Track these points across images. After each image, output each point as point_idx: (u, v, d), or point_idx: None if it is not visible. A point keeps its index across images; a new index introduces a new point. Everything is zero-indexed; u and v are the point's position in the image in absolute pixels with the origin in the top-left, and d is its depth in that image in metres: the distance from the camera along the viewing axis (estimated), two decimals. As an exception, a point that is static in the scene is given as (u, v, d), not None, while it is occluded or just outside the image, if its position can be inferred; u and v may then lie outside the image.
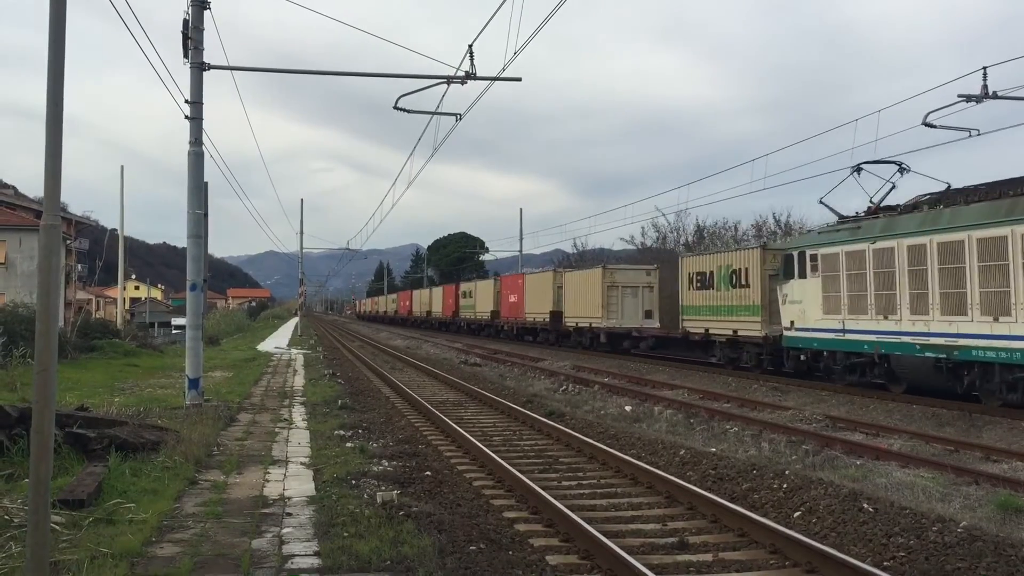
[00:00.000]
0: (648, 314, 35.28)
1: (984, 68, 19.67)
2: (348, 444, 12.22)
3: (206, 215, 16.51)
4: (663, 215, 56.76)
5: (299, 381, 23.25)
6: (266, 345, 45.98)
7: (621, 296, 35.35)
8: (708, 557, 7.31)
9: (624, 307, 35.26)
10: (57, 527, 6.81)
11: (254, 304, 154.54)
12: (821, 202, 23.03)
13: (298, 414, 15.79)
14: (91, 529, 7.05)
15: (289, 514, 7.96)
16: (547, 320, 41.83)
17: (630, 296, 35.49)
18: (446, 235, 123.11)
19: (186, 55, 15.97)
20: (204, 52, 16.11)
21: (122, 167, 44.30)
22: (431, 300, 74.75)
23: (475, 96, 17.21)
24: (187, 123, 16.22)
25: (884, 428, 14.50)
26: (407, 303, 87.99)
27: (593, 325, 36.22)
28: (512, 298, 48.07)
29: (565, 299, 39.88)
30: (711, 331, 27.43)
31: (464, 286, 62.43)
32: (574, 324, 38.47)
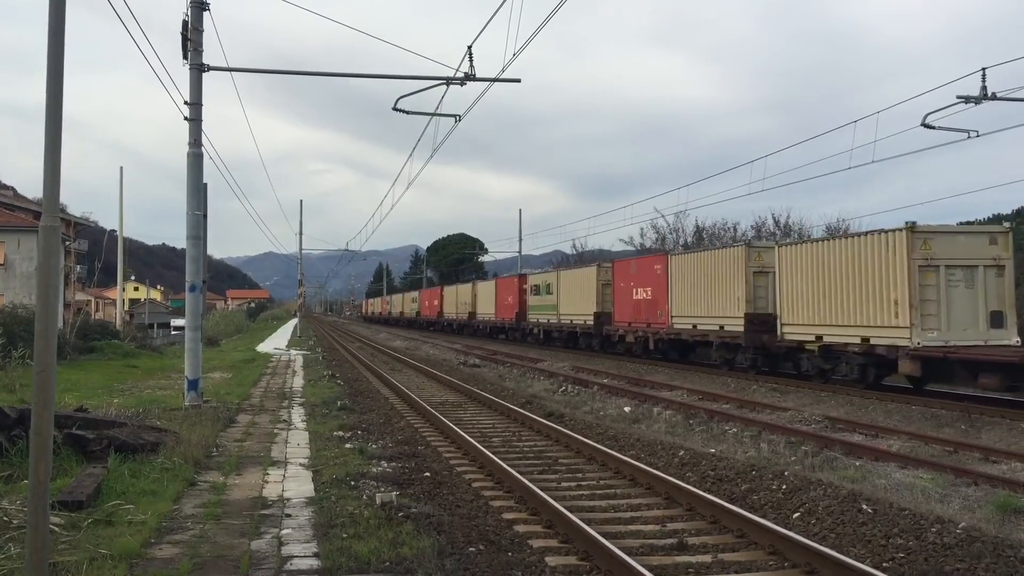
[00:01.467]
0: (997, 318, 18.75)
1: (983, 69, 19.74)
2: (347, 445, 12.22)
3: (205, 216, 16.51)
4: (662, 216, 56.71)
5: (298, 382, 23.25)
6: (265, 346, 46.00)
7: (944, 284, 18.63)
8: (707, 558, 7.31)
9: (952, 305, 18.61)
10: (56, 528, 6.81)
11: (253, 305, 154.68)
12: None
13: (297, 415, 15.79)
14: (90, 530, 7.05)
15: (288, 515, 7.96)
16: (732, 330, 24.53)
17: (962, 284, 18.78)
18: (445, 236, 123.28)
19: (185, 56, 15.99)
20: (203, 53, 16.13)
21: (121, 168, 44.30)
22: (475, 298, 56.73)
23: (474, 97, 17.21)
24: (186, 124, 16.24)
25: (883, 429, 14.50)
26: (435, 302, 70.63)
27: (876, 342, 19.28)
28: (641, 293, 30.88)
29: (781, 292, 22.68)
30: None
31: (535, 278, 45.18)
32: (809, 338, 21.49)
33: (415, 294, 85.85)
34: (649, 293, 30.46)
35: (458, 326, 61.67)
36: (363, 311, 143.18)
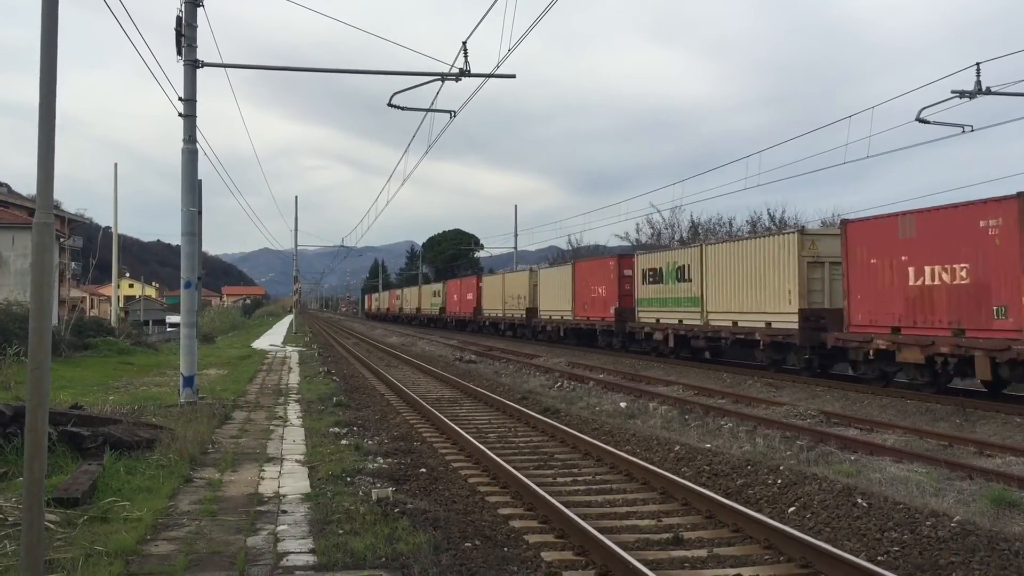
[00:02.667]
0: None
1: (977, 64, 19.76)
2: (343, 441, 12.22)
3: (200, 213, 16.48)
4: (658, 211, 56.66)
5: (294, 378, 23.23)
6: (261, 343, 45.94)
7: None
8: (703, 553, 7.32)
9: None
10: (52, 526, 6.80)
11: (249, 302, 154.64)
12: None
13: (293, 411, 15.78)
14: (86, 527, 7.04)
15: (284, 512, 7.96)
16: None
17: None
18: (441, 232, 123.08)
19: (179, 52, 15.96)
20: (198, 49, 16.10)
21: (115, 164, 44.17)
22: (535, 290, 43.47)
23: (469, 93, 17.23)
24: (181, 120, 16.21)
25: (878, 423, 14.55)
26: (470, 296, 56.32)
27: None
28: (931, 275, 17.99)
29: None
30: None
31: (651, 259, 30.83)
32: None
33: (438, 286, 70.12)
34: (964, 274, 17.10)
35: (508, 327, 48.10)
36: (367, 307, 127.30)
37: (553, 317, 40.33)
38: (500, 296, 49.57)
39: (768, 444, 12.32)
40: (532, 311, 43.57)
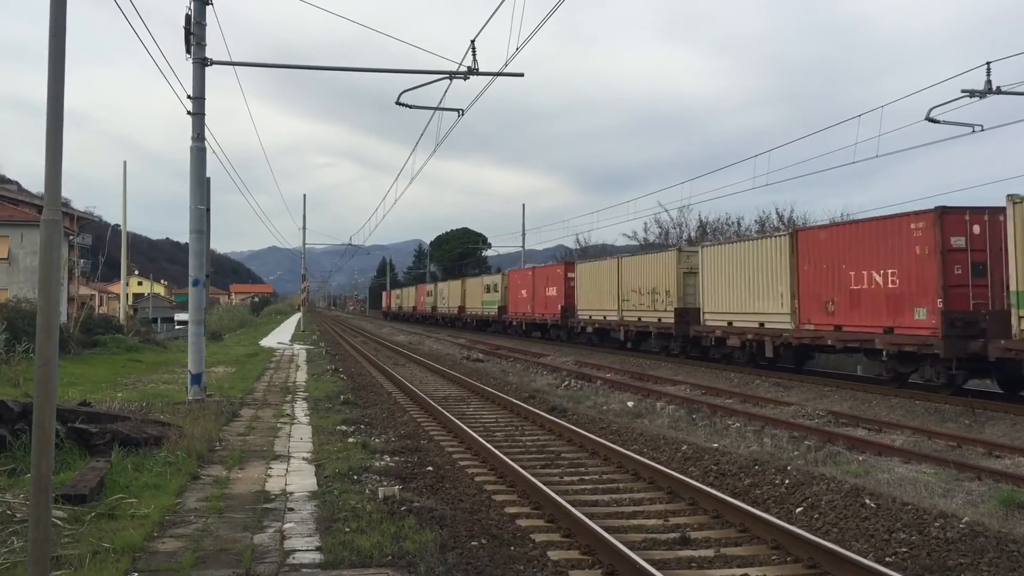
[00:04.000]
0: None
1: (988, 63, 19.62)
2: (350, 439, 12.23)
3: (208, 210, 16.52)
4: (666, 211, 56.36)
5: (302, 376, 23.27)
6: (269, 340, 46.05)
7: None
8: (709, 552, 7.30)
9: None
10: (59, 522, 6.83)
11: (257, 300, 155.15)
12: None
13: (300, 409, 15.80)
14: (93, 524, 7.06)
15: (291, 509, 7.96)
16: None
17: None
18: (448, 230, 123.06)
19: (188, 50, 16.00)
20: (206, 47, 16.13)
21: (125, 162, 44.27)
22: (696, 282, 27.57)
23: (478, 91, 17.26)
24: (189, 118, 16.25)
25: (887, 424, 14.49)
26: (553, 292, 40.74)
27: None
28: None
29: None
30: None
31: None
32: None
33: (495, 279, 53.56)
34: None
35: (636, 337, 32.80)
36: (384, 305, 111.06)
37: (737, 325, 24.78)
38: (613, 291, 33.55)
39: (776, 444, 12.29)
40: (687, 314, 27.88)
